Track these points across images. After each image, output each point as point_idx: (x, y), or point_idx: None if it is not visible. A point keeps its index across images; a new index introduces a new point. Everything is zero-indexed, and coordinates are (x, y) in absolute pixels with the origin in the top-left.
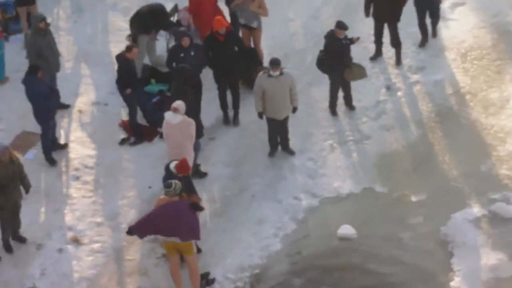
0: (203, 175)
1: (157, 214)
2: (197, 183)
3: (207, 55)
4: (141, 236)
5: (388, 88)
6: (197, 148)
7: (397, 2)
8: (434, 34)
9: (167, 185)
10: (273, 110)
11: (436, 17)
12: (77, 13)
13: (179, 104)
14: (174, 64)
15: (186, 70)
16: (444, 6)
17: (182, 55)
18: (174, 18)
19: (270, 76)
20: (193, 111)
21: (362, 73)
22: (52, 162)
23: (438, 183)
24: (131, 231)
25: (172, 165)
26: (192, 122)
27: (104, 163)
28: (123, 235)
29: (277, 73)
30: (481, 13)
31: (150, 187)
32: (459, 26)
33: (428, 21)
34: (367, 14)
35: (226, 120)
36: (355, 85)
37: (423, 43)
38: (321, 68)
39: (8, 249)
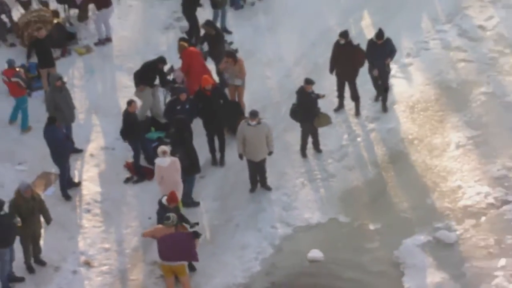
0: (196, 204)
1: (160, 244)
2: (190, 214)
3: (196, 107)
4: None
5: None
6: (192, 183)
7: (355, 65)
8: (385, 109)
9: (166, 218)
10: (251, 153)
11: (385, 79)
12: (89, 73)
13: (165, 148)
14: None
15: (184, 120)
16: (395, 66)
17: (178, 107)
18: (170, 77)
19: (249, 125)
20: (193, 152)
21: (328, 120)
22: (67, 197)
23: (392, 214)
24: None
25: (164, 199)
26: (176, 159)
27: (111, 198)
28: (128, 259)
29: (255, 122)
30: (426, 72)
31: (150, 218)
32: (407, 83)
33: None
34: (331, 72)
35: (214, 162)
36: (322, 132)
37: (377, 97)
38: (294, 118)
39: (31, 270)
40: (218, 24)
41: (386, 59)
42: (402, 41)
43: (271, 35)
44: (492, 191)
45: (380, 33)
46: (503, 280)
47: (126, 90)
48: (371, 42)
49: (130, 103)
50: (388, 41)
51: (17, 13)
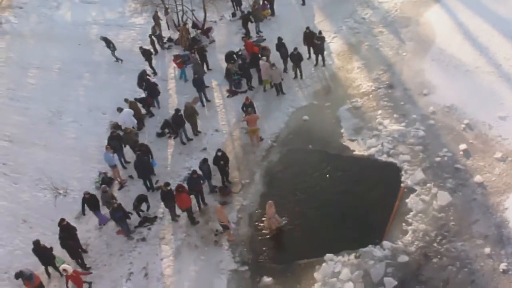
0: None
1: (248, 122)
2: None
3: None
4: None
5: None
6: None
7: (313, 40)
8: (323, 64)
9: (247, 111)
10: (274, 79)
11: (321, 50)
12: (208, 54)
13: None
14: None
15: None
16: (329, 38)
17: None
18: (240, 52)
19: (271, 68)
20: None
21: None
22: (203, 105)
23: (334, 98)
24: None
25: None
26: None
27: (221, 104)
28: (231, 127)
29: (275, 67)
30: (342, 40)
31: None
32: (335, 45)
33: None
34: (304, 43)
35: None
36: (303, 67)
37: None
38: (292, 60)
39: (189, 140)
40: (257, 28)
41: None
42: (331, 27)
43: (278, 31)
44: (373, 84)
45: (319, 32)
46: (380, 118)
47: (222, 60)
48: (308, 33)
49: (229, 63)
50: (321, 35)
51: (175, 34)
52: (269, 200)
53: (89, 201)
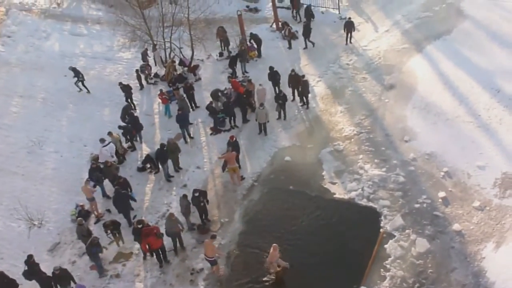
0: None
1: (227, 160)
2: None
3: (234, 103)
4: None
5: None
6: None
7: (298, 82)
8: (307, 107)
9: (228, 149)
10: (260, 119)
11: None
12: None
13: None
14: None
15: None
16: (314, 82)
17: (227, 103)
18: (225, 91)
19: (259, 109)
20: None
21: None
22: (186, 141)
23: (316, 140)
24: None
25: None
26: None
27: (206, 141)
28: (213, 165)
29: (262, 108)
30: (326, 83)
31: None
32: (319, 88)
33: None
34: (288, 85)
35: (244, 121)
36: (287, 108)
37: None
38: (275, 101)
39: (177, 171)
40: (243, 68)
41: (305, 86)
42: (315, 71)
43: (264, 72)
44: (355, 128)
45: (303, 76)
46: (361, 163)
47: (207, 98)
48: (293, 76)
49: (212, 102)
50: (304, 79)
51: (161, 70)
52: (274, 243)
53: (60, 277)
